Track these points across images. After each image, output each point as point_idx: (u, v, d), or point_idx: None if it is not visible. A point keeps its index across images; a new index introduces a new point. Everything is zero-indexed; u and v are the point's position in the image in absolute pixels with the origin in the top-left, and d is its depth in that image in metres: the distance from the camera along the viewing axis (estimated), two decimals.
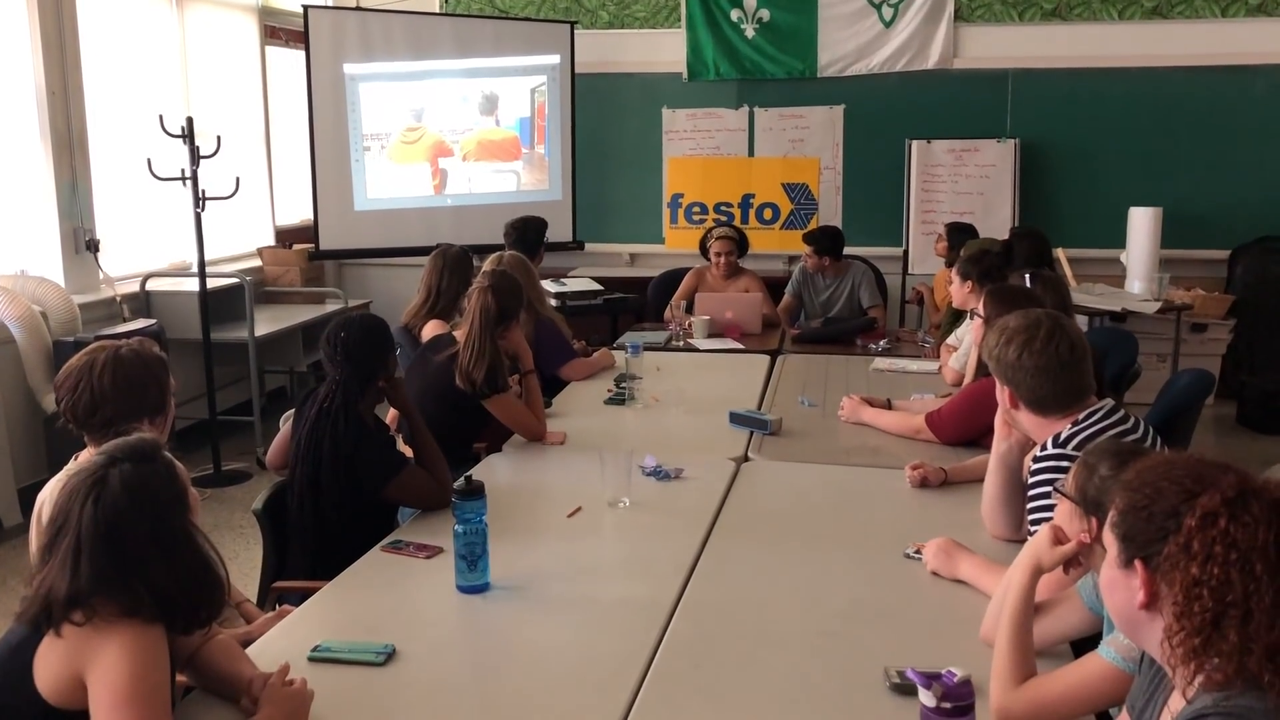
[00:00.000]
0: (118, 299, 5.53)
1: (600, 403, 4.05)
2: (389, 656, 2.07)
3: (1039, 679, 1.81)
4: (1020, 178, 7.33)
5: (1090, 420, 2.34)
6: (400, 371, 3.05)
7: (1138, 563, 1.36)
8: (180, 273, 5.90)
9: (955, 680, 1.48)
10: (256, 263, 6.97)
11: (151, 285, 5.75)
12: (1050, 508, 2.16)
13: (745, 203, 7.86)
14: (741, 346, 5.13)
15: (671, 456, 3.26)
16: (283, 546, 2.84)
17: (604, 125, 7.79)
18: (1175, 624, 1.28)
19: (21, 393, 4.90)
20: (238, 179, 5.49)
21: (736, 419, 3.68)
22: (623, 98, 7.84)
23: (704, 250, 5.88)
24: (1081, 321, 6.35)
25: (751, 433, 3.59)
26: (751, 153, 7.83)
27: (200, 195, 5.29)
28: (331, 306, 6.85)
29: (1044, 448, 2.35)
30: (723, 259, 5.74)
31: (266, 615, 2.45)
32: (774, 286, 6.00)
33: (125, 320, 5.40)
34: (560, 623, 2.26)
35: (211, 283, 5.69)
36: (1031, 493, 2.35)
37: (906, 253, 7.51)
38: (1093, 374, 2.41)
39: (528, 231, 5.17)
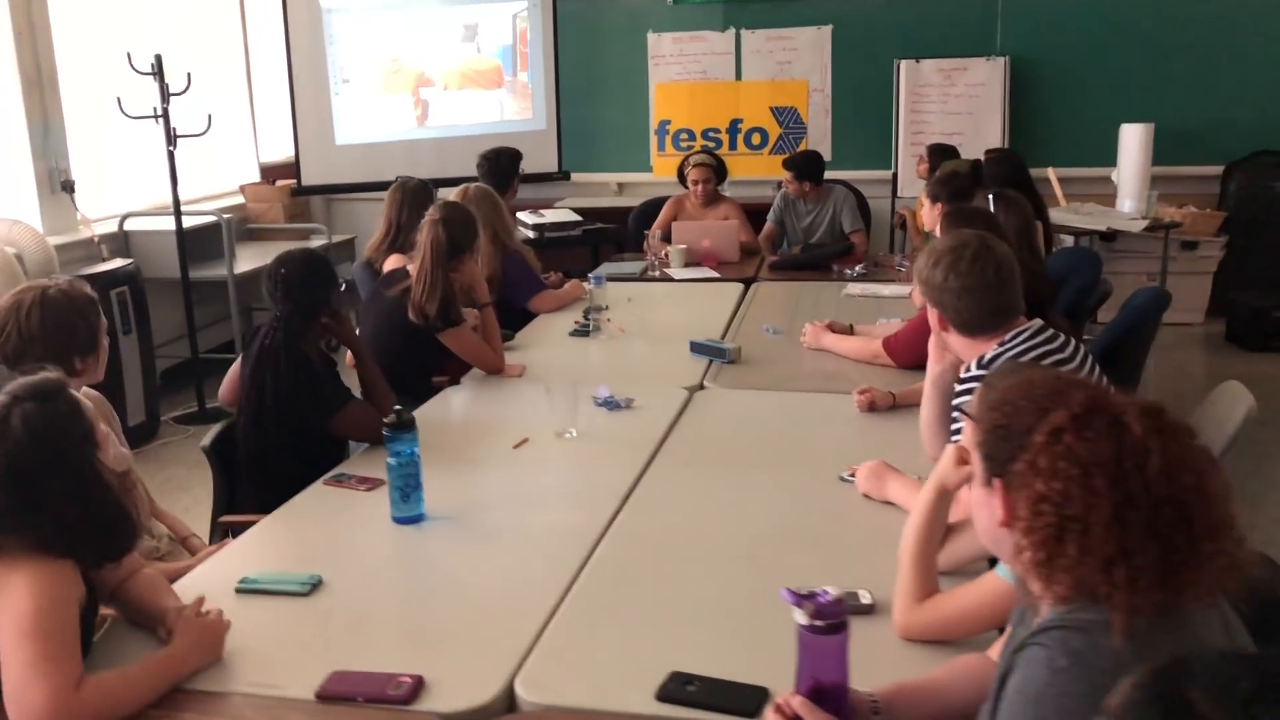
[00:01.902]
0: (95, 239, 5.54)
1: (565, 335, 4.05)
2: (314, 587, 2.11)
3: (939, 597, 1.84)
4: (1010, 96, 7.21)
5: (1015, 341, 2.33)
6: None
7: (997, 481, 1.37)
8: (159, 212, 5.89)
9: (827, 599, 1.50)
10: (239, 200, 6.96)
11: (130, 225, 5.76)
12: None
13: (733, 128, 7.77)
14: (717, 275, 5.10)
15: (628, 387, 3.26)
16: (233, 482, 2.88)
17: (588, 51, 7.69)
18: (1024, 539, 1.29)
19: None
20: (209, 116, 5.47)
21: (697, 348, 3.68)
22: (606, 22, 7.72)
23: (682, 178, 5.84)
24: (1067, 241, 6.31)
25: (711, 361, 3.59)
26: (739, 76, 7.71)
27: (172, 133, 5.27)
28: (316, 242, 6.84)
29: (968, 369, 2.35)
30: (700, 186, 5.69)
31: (208, 549, 2.49)
32: (764, 213, 5.95)
33: (104, 260, 5.41)
34: (488, 551, 2.30)
35: (191, 221, 5.69)
36: (956, 414, 2.35)
37: (896, 175, 7.44)
38: (1021, 295, 2.40)
39: (500, 162, 5.14)
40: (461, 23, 7.20)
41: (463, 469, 2.74)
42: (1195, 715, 0.81)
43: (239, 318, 5.97)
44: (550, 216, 6.01)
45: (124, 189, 6.06)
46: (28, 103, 5.25)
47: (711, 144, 7.65)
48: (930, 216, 4.29)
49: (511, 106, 7.43)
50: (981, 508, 1.42)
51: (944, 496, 1.90)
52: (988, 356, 2.32)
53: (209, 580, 2.16)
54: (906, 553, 1.87)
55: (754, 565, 2.16)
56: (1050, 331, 2.38)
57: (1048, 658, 1.24)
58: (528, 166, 7.37)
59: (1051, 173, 6.87)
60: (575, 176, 7.70)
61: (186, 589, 2.10)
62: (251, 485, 2.81)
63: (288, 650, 1.91)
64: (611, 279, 5.01)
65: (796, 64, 7.63)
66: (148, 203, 6.16)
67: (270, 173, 7.39)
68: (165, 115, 5.27)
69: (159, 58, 5.23)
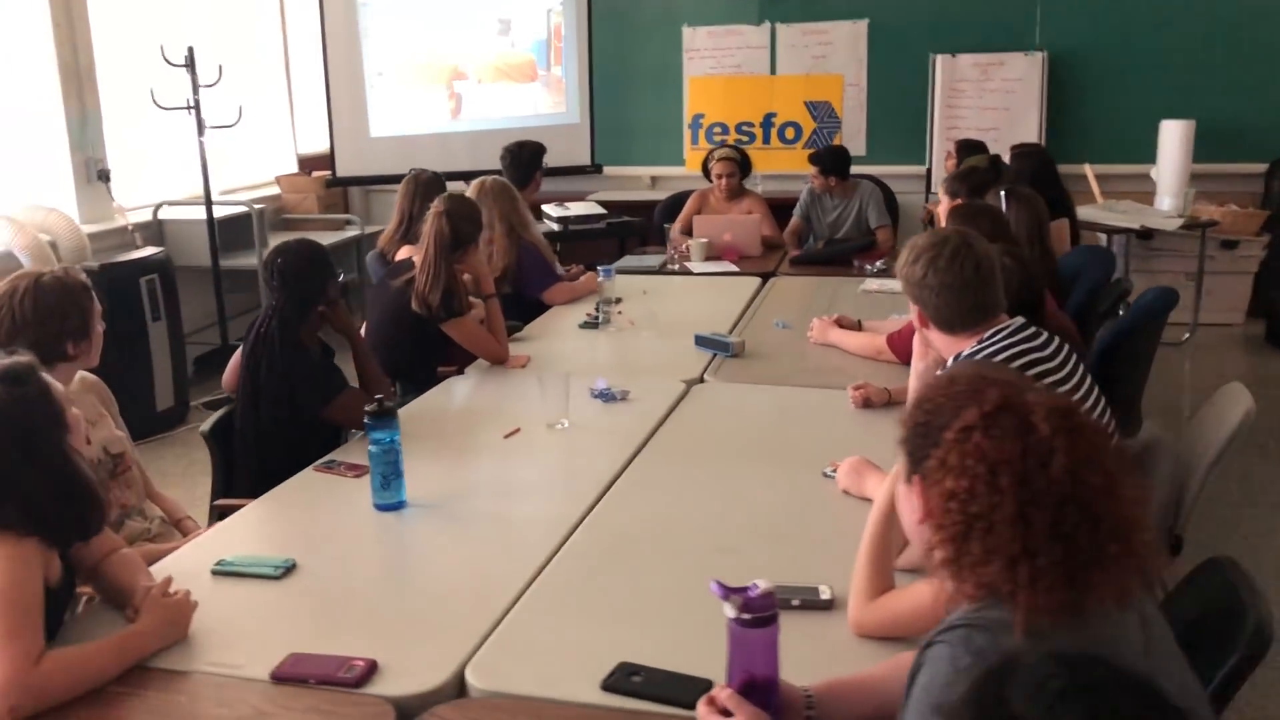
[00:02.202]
0: (130, 228, 5.66)
1: (575, 327, 4.07)
2: (287, 571, 2.15)
3: (891, 594, 1.83)
4: (1048, 92, 7.11)
5: (994, 338, 2.32)
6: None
7: (916, 478, 1.37)
8: (193, 202, 6.00)
9: (756, 593, 1.50)
10: (276, 190, 7.08)
11: (164, 214, 5.88)
12: None
13: (767, 122, 7.75)
14: (736, 269, 5.10)
15: (628, 379, 3.28)
16: (231, 466, 2.94)
17: (623, 45, 7.70)
18: (934, 536, 1.29)
19: None
20: (240, 107, 5.57)
21: (701, 341, 3.68)
22: (641, 16, 7.73)
23: (706, 172, 5.84)
24: (1099, 240, 6.21)
25: (714, 354, 3.60)
26: (774, 70, 7.69)
27: (202, 124, 5.37)
28: (350, 233, 6.95)
29: (944, 367, 2.33)
30: (724, 180, 5.69)
31: (198, 532, 2.55)
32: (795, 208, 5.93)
33: (137, 248, 5.53)
34: (462, 540, 2.33)
35: (224, 211, 5.80)
36: None
37: (930, 170, 7.37)
38: (1002, 293, 2.38)
39: (523, 155, 5.17)
40: (496, 17, 7.25)
41: (452, 458, 2.77)
42: (1007, 713, 0.81)
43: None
44: (575, 209, 6.04)
45: (161, 179, 6.18)
46: (65, 94, 5.38)
47: (745, 138, 7.64)
48: (948, 212, 4.26)
49: (545, 100, 7.47)
50: (904, 504, 1.43)
51: None
52: (964, 354, 2.31)
53: (189, 562, 2.21)
54: (863, 549, 1.87)
55: (722, 559, 2.16)
56: (1031, 330, 2.35)
57: (951, 656, 1.25)
58: (560, 160, 7.45)
59: (1089, 169, 6.76)
60: (608, 170, 7.73)
61: (168, 570, 2.15)
62: (247, 470, 2.87)
63: (253, 632, 1.95)
64: (630, 272, 5.05)
65: (832, 58, 7.58)
66: (186, 193, 6.27)
67: (308, 164, 7.50)
68: (196, 107, 5.37)
69: (191, 50, 5.33)
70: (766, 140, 7.71)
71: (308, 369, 2.84)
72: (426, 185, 4.28)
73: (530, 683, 1.77)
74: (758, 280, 4.82)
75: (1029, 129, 7.07)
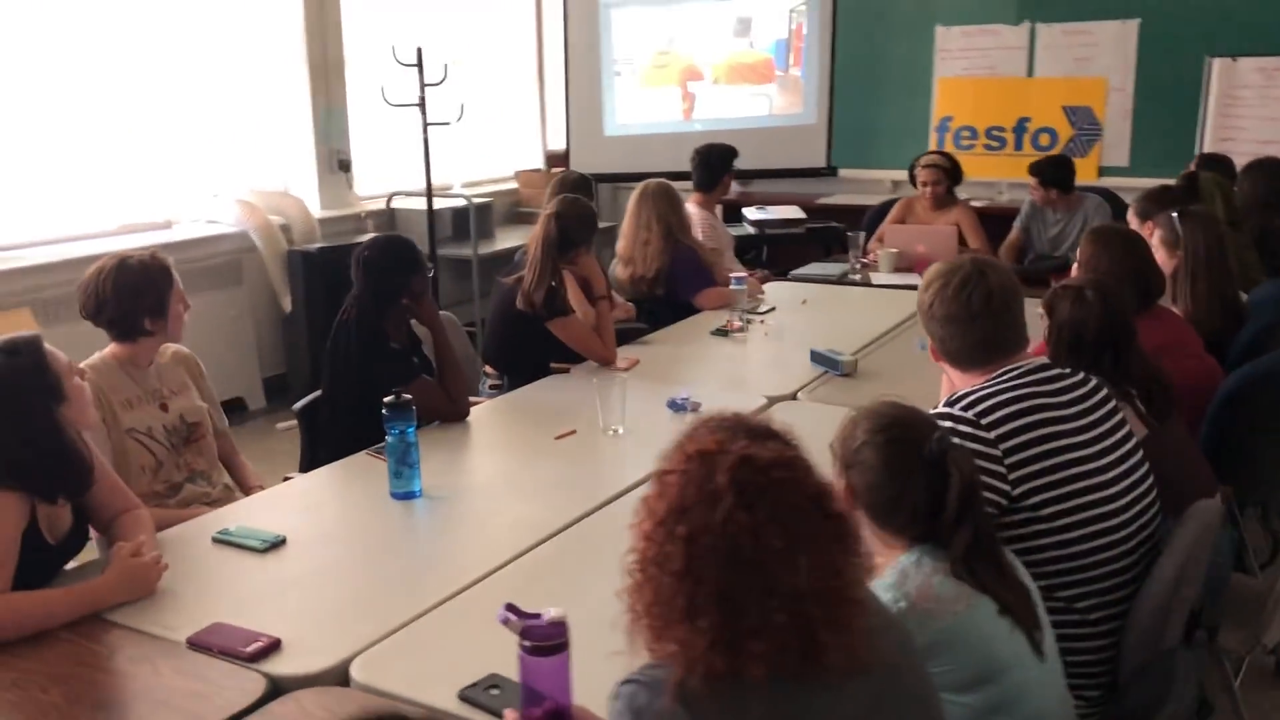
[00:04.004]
0: (363, 215, 6.14)
1: (707, 333, 4.03)
2: (273, 546, 2.30)
3: None
4: None
5: (1001, 379, 2.08)
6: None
7: None
8: (419, 193, 6.40)
9: (544, 620, 1.47)
10: (515, 185, 7.45)
11: (396, 203, 6.32)
12: None
13: (1020, 127, 7.28)
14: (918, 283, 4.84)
15: (716, 390, 3.23)
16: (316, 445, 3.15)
17: (870, 45, 7.47)
18: (627, 580, 1.22)
19: (266, 294, 5.61)
20: (462, 105, 5.89)
21: (816, 357, 3.56)
22: (893, 15, 7.46)
23: (912, 178, 5.58)
24: None
25: (825, 371, 3.47)
26: (1030, 73, 7.21)
27: (426, 121, 5.74)
28: None
29: (938, 406, 2.13)
30: (929, 189, 5.41)
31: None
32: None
33: (366, 234, 5.98)
34: (444, 534, 2.40)
35: (450, 203, 6.17)
36: None
37: None
38: (1021, 328, 2.15)
39: (711, 158, 5.16)
40: (735, 16, 7.25)
41: (497, 453, 2.85)
42: None
43: (478, 293, 6.38)
44: (773, 213, 5.94)
45: (400, 171, 6.63)
46: (314, 89, 5.90)
47: (995, 144, 7.25)
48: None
49: (779, 101, 7.39)
50: None
51: None
52: (957, 394, 2.10)
53: (204, 527, 2.41)
54: None
55: None
56: (1052, 374, 2.10)
57: (618, 712, 1.17)
58: (794, 162, 7.39)
59: None
60: (847, 173, 7.55)
61: (186, 532, 2.37)
62: (327, 449, 3.06)
63: (205, 598, 2.09)
64: (810, 280, 4.95)
65: (1096, 60, 7.01)
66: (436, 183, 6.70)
67: (555, 160, 7.81)
68: (422, 104, 5.73)
69: (420, 50, 5.69)
70: (1019, 146, 7.25)
71: (383, 357, 2.98)
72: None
73: (404, 683, 1.80)
74: None
75: None
